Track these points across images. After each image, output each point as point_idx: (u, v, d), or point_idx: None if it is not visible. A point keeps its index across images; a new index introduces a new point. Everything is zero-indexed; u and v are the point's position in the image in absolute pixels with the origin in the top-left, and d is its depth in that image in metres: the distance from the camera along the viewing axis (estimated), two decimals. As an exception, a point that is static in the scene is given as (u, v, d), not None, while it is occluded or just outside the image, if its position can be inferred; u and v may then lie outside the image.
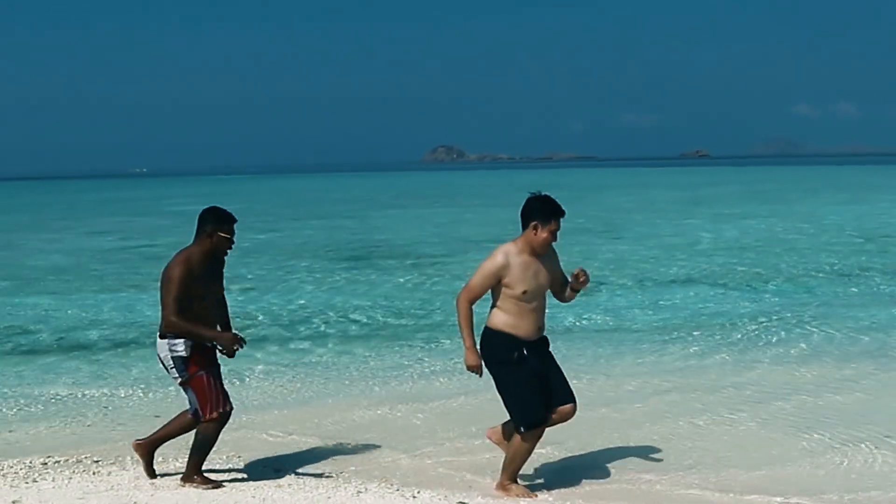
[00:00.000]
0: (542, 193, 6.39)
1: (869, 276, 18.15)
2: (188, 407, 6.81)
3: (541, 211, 6.26)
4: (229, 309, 7.03)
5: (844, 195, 51.44)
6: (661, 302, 15.61)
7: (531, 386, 6.31)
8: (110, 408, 9.51)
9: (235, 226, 6.75)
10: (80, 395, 10.03)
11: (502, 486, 6.59)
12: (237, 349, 6.59)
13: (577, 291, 6.52)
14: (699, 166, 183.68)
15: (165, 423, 7.04)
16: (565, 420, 6.52)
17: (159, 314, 6.58)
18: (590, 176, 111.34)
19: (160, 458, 7.28)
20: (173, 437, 6.97)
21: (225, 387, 6.75)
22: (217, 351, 6.71)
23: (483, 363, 6.39)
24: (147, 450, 6.91)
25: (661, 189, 66.71)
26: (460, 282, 18.68)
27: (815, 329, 12.82)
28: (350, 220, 39.58)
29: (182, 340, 6.53)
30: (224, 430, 6.77)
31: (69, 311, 15.80)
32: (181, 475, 6.83)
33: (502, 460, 6.62)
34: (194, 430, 6.76)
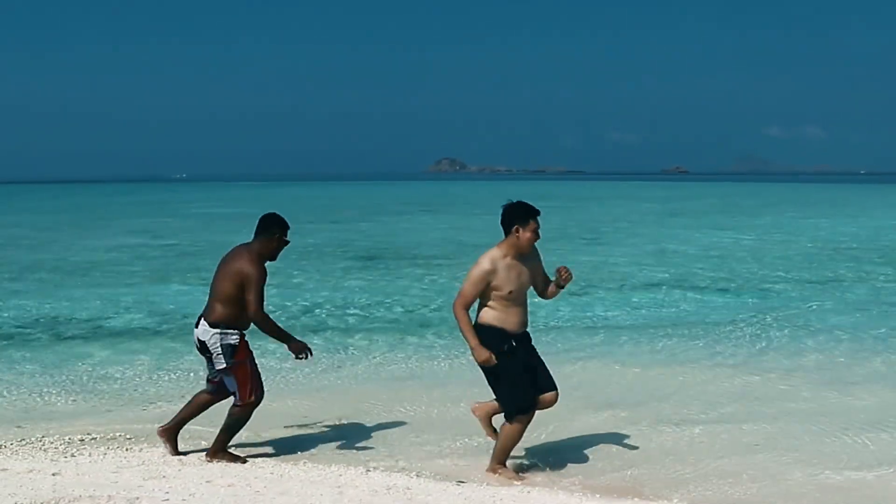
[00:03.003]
0: (516, 200, 6.41)
1: (837, 283, 18.12)
2: (207, 388, 6.91)
3: (519, 215, 6.29)
4: None
5: (811, 209, 51.43)
6: (646, 302, 15.60)
7: (521, 375, 6.32)
8: (142, 390, 9.53)
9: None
10: (115, 378, 10.04)
11: (493, 470, 6.57)
12: (302, 357, 6.72)
13: (562, 288, 6.47)
14: (679, 181, 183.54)
15: (184, 406, 7.08)
16: (549, 406, 6.51)
17: (208, 302, 6.70)
18: (579, 188, 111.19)
19: (187, 436, 7.29)
20: (193, 417, 7.02)
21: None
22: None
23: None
24: (171, 434, 6.95)
25: (644, 201, 66.57)
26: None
27: (803, 329, 12.83)
28: (360, 224, 39.51)
29: (236, 330, 6.62)
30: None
31: (109, 302, 15.77)
32: (206, 451, 6.87)
33: (493, 445, 6.59)
34: (227, 412, 6.80)
